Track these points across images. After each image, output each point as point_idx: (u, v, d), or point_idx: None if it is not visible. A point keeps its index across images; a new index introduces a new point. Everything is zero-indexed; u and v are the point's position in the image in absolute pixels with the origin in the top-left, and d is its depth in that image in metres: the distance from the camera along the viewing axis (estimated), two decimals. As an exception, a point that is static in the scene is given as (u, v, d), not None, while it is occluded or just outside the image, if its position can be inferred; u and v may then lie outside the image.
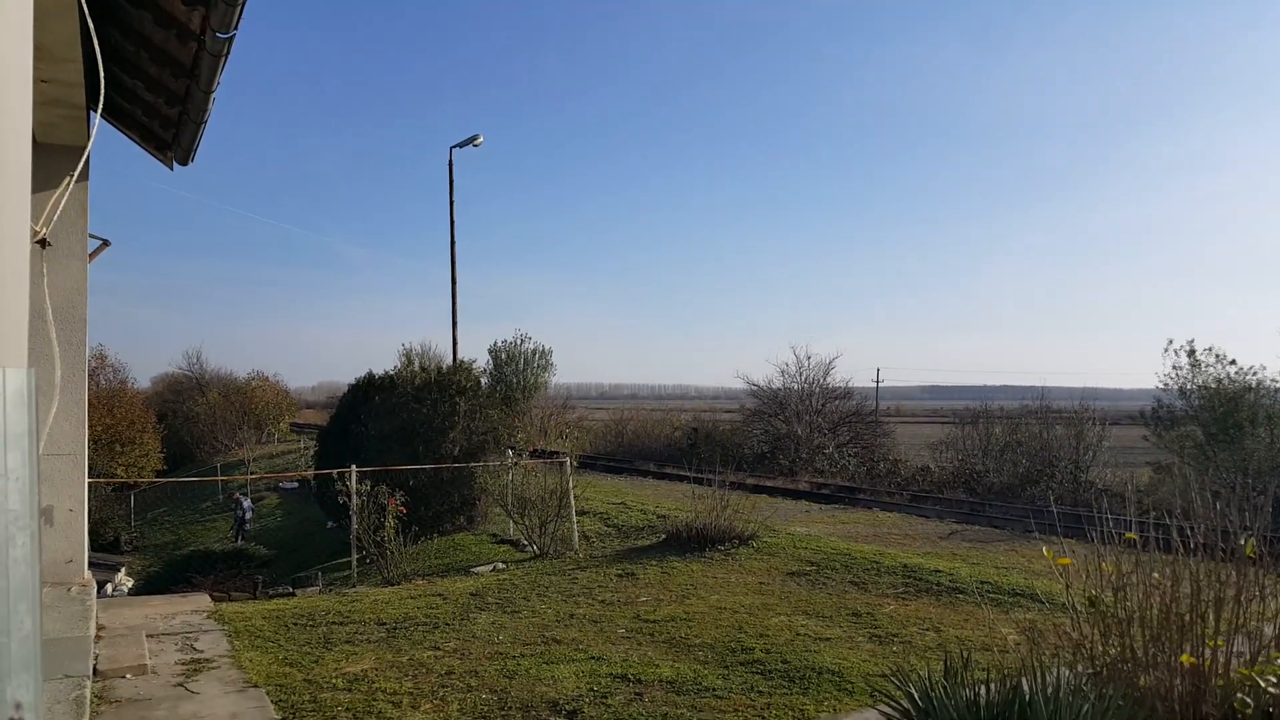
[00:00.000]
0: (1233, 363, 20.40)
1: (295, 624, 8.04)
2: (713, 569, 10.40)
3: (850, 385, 32.06)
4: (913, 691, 4.28)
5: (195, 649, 6.95)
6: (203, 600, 9.10)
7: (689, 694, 5.91)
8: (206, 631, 7.58)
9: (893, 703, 4.41)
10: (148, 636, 7.11)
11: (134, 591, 16.94)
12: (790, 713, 5.57)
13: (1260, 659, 4.15)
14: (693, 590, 9.29)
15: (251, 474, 29.82)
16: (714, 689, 6.01)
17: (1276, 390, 19.53)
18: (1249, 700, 4.00)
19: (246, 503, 22.94)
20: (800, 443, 28.53)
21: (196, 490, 32.02)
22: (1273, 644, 4.25)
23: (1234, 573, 4.37)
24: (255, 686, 5.96)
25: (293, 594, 10.17)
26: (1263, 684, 3.97)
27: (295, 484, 26.98)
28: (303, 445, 37.49)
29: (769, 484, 22.34)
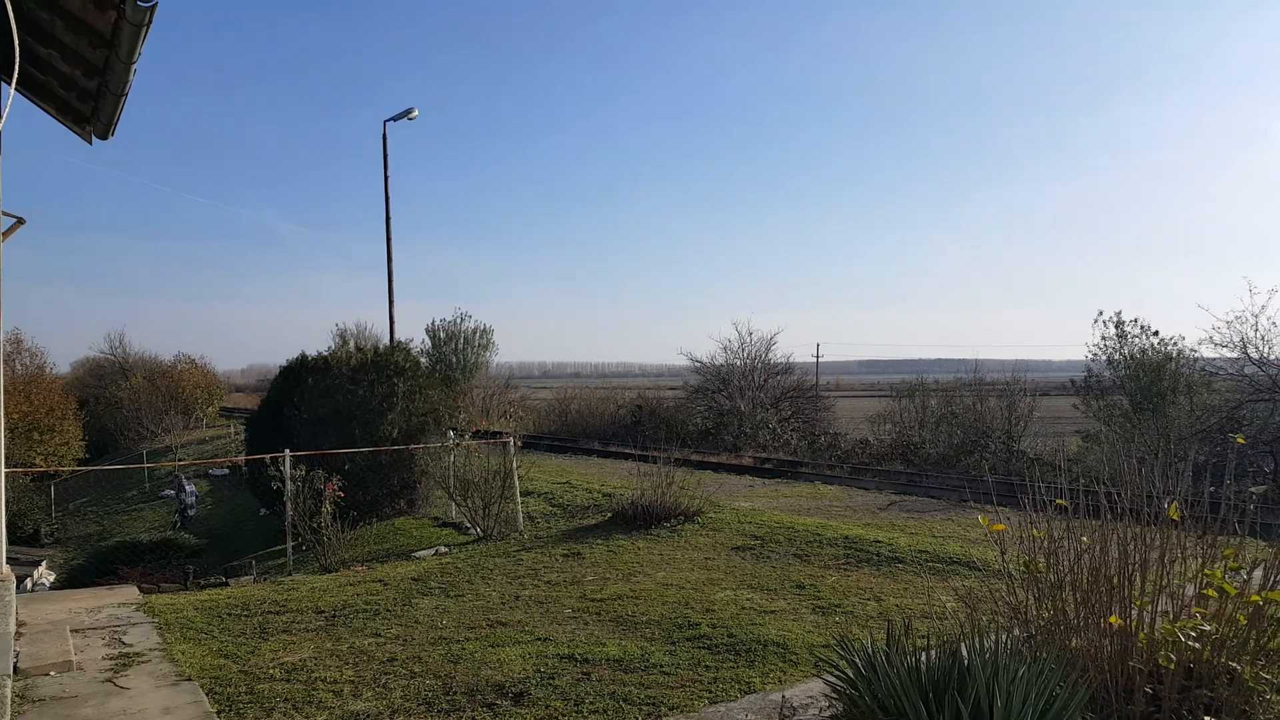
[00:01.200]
0: (1156, 334, 21.26)
1: (229, 614, 7.82)
2: (659, 546, 10.43)
3: (791, 361, 32.45)
4: (856, 660, 4.34)
5: (124, 643, 6.71)
6: (131, 592, 8.80)
7: (636, 671, 5.92)
8: (136, 624, 7.32)
9: (837, 672, 4.47)
10: (72, 631, 6.84)
11: (56, 586, 16.32)
12: (737, 686, 5.61)
13: (1182, 617, 4.31)
14: (639, 568, 9.31)
15: (180, 461, 28.95)
16: (661, 665, 6.02)
17: (1195, 360, 20.38)
18: (1172, 656, 4.15)
19: (190, 487, 22.20)
20: (743, 418, 28.79)
21: (121, 479, 30.92)
22: (1193, 602, 4.41)
23: (1158, 536, 4.52)
24: (189, 680, 5.78)
25: (226, 584, 9.90)
26: (1183, 638, 4.12)
27: (226, 470, 26.28)
28: (233, 430, 36.46)
29: (713, 460, 22.50)
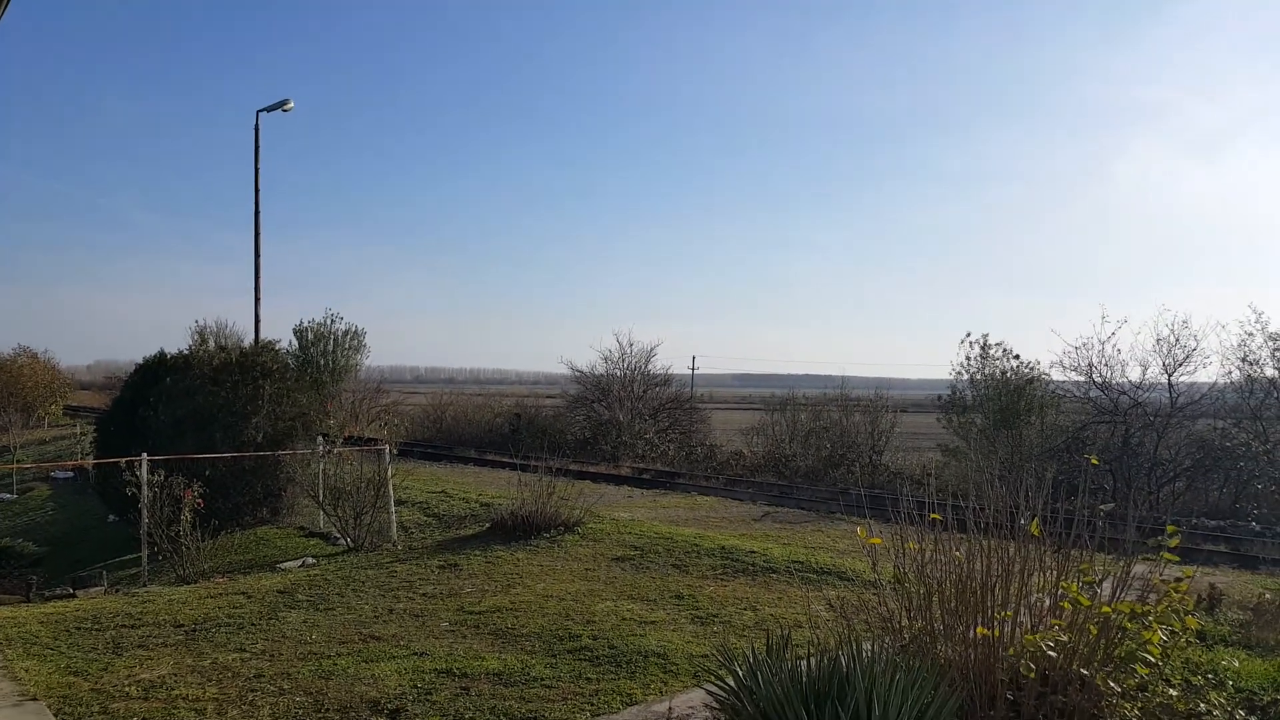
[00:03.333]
0: (1017, 357, 22.70)
1: (78, 628, 7.27)
2: (538, 557, 10.35)
3: (670, 372, 32.85)
4: (738, 670, 4.43)
5: (-49, 664, 6.12)
6: (-40, 607, 8.04)
7: (517, 685, 5.85)
8: (-35, 643, 6.70)
9: (720, 682, 4.55)
10: (-111, 653, 6.19)
11: None
12: (618, 697, 5.63)
13: (1040, 628, 4.62)
14: (518, 579, 9.21)
15: (19, 463, 26.67)
16: (542, 678, 5.97)
17: (1047, 382, 21.87)
18: (1032, 665, 4.43)
19: None
20: (622, 429, 28.93)
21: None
22: (1049, 613, 4.73)
23: (1019, 550, 4.82)
24: (34, 699, 5.34)
25: (73, 595, 9.20)
26: (1045, 648, 4.41)
27: (70, 474, 24.38)
28: (79, 431, 33.81)
29: (592, 470, 22.51)
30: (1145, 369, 18.94)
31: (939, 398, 25.21)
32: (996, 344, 23.22)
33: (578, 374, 32.19)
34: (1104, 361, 19.26)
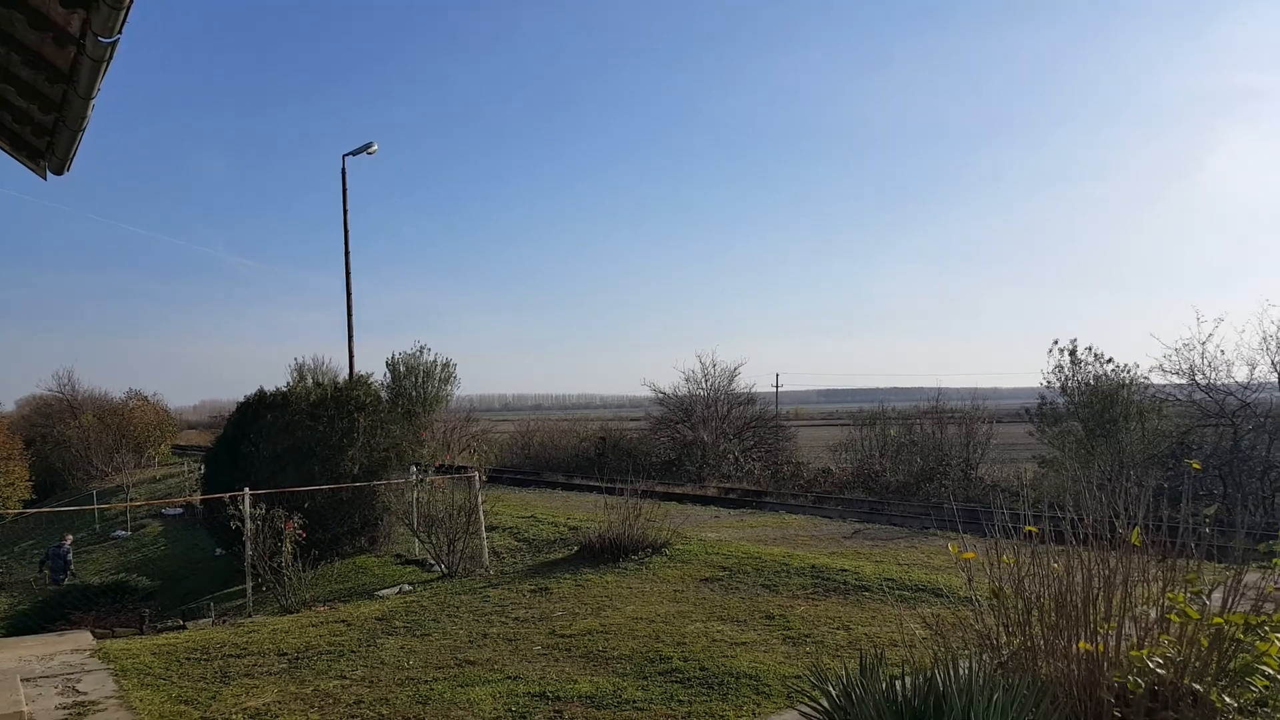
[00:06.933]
0: (1109, 361, 21.75)
1: (188, 659, 7.62)
2: (627, 579, 10.38)
3: (753, 391, 32.66)
4: (832, 690, 4.36)
5: (78, 691, 6.50)
6: (84, 638, 8.53)
7: (609, 708, 5.87)
8: (90, 671, 7.10)
9: (813, 703, 4.48)
10: (23, 680, 6.60)
11: (2, 633, 15.72)
12: (710, 719, 5.59)
13: (1147, 641, 4.40)
14: (608, 602, 9.25)
15: (132, 500, 28.17)
16: (634, 701, 5.98)
17: (1146, 387, 20.91)
18: (1140, 681, 4.23)
19: (67, 544, 20.76)
20: (707, 449, 28.85)
21: (69, 521, 29.96)
22: (1155, 626, 4.51)
23: (1120, 561, 4.62)
24: (148, 729, 5.61)
25: (183, 627, 9.64)
26: (1151, 665, 4.21)
27: (180, 510, 25.61)
28: (187, 469, 35.55)
29: (678, 491, 22.49)
30: (1253, 368, 17.97)
31: (1025, 410, 24.35)
32: (1086, 349, 22.33)
33: (661, 395, 32.31)
34: (1207, 362, 18.34)
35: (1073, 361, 22.22)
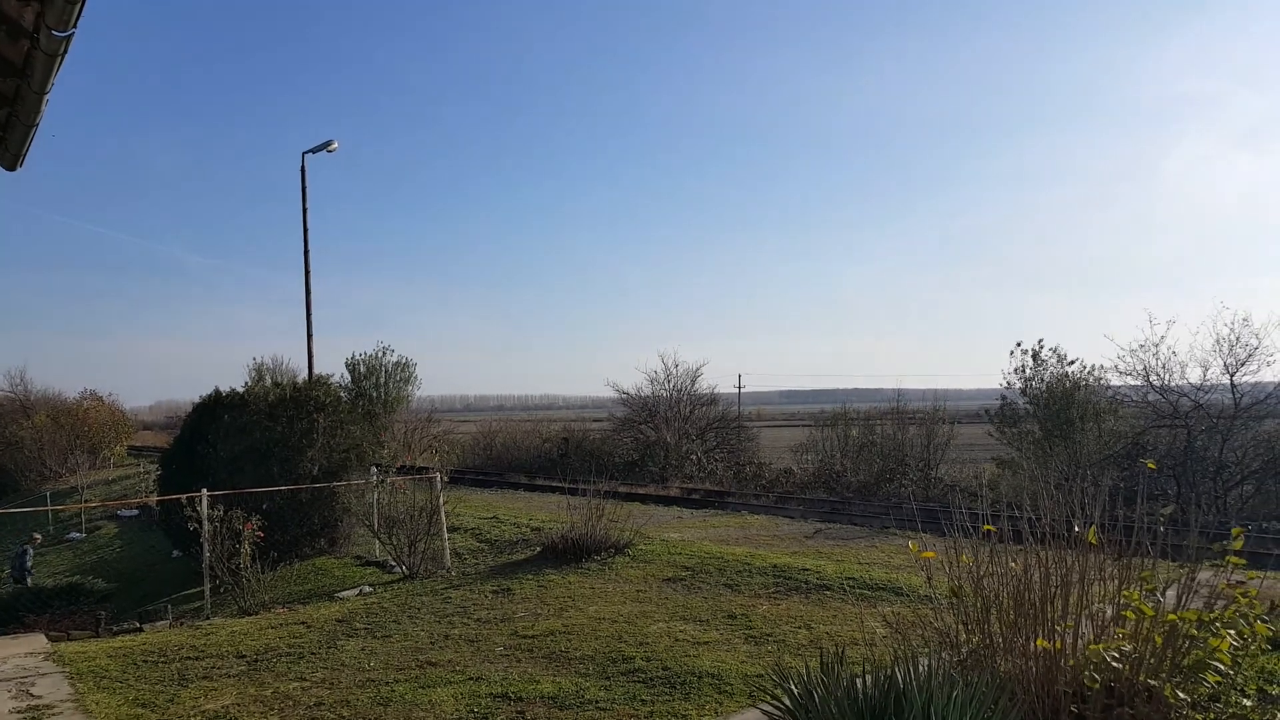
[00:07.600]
0: (1072, 363, 22.03)
1: (145, 661, 7.46)
2: (590, 580, 10.36)
3: (716, 392, 32.79)
4: (793, 689, 4.38)
5: (32, 694, 6.33)
6: (38, 641, 8.32)
7: (572, 708, 5.85)
8: (45, 674, 6.92)
9: (775, 701, 4.51)
10: (-31, 688, 6.42)
11: (-53, 638, 15.24)
12: (673, 719, 5.60)
13: (1103, 639, 4.49)
14: (571, 602, 9.22)
15: (87, 501, 27.50)
16: (597, 701, 5.97)
17: (1106, 388, 21.31)
18: (1095, 676, 4.31)
19: (31, 550, 20.26)
20: (670, 450, 28.91)
21: (22, 523, 29.16)
22: (1111, 623, 4.60)
23: (1077, 560, 4.71)
24: (100, 734, 5.48)
25: (140, 629, 9.45)
26: (1108, 658, 4.30)
27: (135, 511, 25.06)
28: (142, 469, 34.83)
29: (641, 491, 22.51)
30: (1205, 370, 18.44)
31: (985, 411, 24.71)
32: (1051, 349, 22.61)
33: (624, 396, 32.32)
34: (1161, 364, 18.77)
35: (1035, 363, 22.49)
